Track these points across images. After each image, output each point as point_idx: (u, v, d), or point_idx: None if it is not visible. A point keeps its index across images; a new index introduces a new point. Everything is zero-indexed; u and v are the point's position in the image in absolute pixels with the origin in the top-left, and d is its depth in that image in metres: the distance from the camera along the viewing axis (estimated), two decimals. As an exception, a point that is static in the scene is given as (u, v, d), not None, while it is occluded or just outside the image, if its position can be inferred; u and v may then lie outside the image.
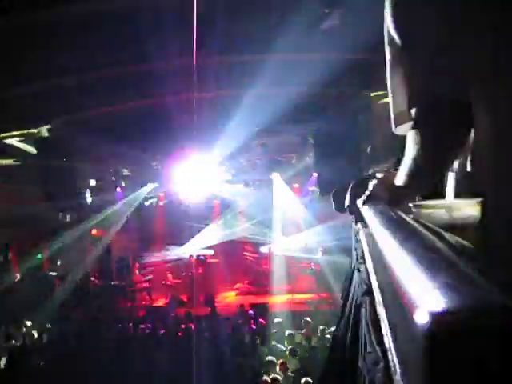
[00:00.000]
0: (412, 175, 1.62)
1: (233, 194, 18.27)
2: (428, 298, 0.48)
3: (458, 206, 1.53)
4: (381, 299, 0.94)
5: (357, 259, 1.76)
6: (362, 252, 1.52)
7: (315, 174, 16.92)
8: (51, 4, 7.64)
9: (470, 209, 1.47)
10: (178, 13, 8.33)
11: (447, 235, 0.96)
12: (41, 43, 8.53)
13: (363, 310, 1.30)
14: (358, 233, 1.85)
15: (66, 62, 9.33)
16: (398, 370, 0.60)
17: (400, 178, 1.69)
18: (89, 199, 16.20)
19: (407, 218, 1.09)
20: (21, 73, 9.49)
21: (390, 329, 0.74)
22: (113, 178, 17.30)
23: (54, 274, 14.83)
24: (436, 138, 1.55)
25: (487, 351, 0.43)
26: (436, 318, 0.45)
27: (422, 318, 0.46)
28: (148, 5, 8.43)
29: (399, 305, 0.58)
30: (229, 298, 16.46)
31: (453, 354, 0.44)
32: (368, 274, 1.24)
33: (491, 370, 0.43)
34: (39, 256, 15.48)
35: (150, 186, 17.67)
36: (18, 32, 8.03)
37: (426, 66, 1.57)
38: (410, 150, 1.63)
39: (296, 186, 17.76)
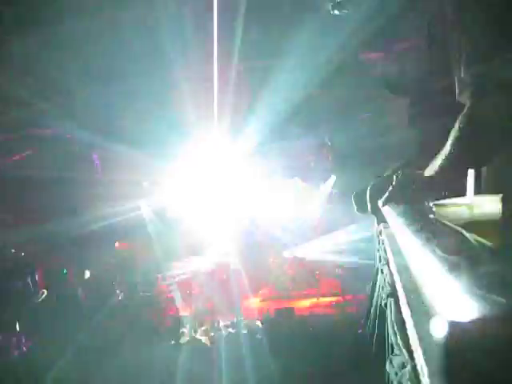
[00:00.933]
0: (446, 164, 1.58)
1: (252, 199, 18.27)
2: (448, 305, 0.48)
3: (478, 204, 1.50)
4: (405, 301, 0.94)
5: (380, 260, 1.75)
6: (385, 253, 1.52)
7: (334, 177, 16.86)
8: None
9: (490, 206, 1.45)
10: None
11: (468, 234, 0.95)
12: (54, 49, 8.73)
13: (388, 311, 1.29)
14: (380, 234, 1.84)
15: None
16: (426, 370, 0.60)
17: (431, 169, 1.67)
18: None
19: (428, 218, 1.08)
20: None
21: (415, 330, 0.74)
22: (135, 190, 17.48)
23: (80, 288, 14.96)
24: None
25: (502, 358, 0.43)
26: (455, 325, 0.45)
27: (442, 323, 0.47)
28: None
29: (424, 307, 0.58)
30: (253, 304, 16.43)
31: (470, 361, 0.44)
32: (392, 275, 1.24)
33: (504, 375, 0.43)
34: (64, 271, 15.65)
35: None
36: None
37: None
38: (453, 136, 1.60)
39: (315, 189, 17.70)
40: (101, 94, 10.60)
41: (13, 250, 13.28)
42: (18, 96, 9.45)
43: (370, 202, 2.07)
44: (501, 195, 1.44)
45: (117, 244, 17.80)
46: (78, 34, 8.42)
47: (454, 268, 0.59)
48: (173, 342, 10.93)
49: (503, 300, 0.48)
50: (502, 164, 1.50)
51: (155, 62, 9.62)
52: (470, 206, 1.51)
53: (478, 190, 1.68)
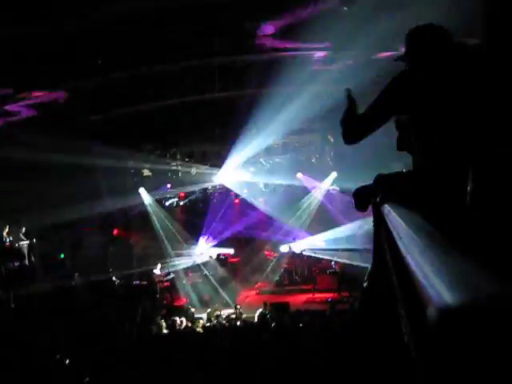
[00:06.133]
0: None
1: (253, 192, 18.30)
2: (436, 293, 0.49)
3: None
4: (400, 294, 0.95)
5: (377, 255, 1.77)
6: (382, 248, 1.53)
7: (334, 173, 16.87)
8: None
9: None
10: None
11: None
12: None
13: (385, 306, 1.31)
14: (377, 229, 1.86)
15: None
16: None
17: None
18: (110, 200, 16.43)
19: (421, 216, 1.10)
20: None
21: (408, 320, 0.76)
22: (135, 178, 17.53)
23: (77, 274, 14.96)
24: None
25: (485, 344, 0.44)
26: (440, 313, 0.46)
27: (430, 311, 0.48)
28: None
29: (416, 297, 0.59)
30: (249, 297, 16.45)
31: (455, 347, 0.45)
32: (388, 268, 1.25)
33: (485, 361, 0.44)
34: (62, 255, 15.68)
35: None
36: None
37: None
38: None
39: (316, 184, 17.71)
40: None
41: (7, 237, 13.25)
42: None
43: (368, 199, 2.08)
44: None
45: (115, 231, 17.81)
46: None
47: (441, 262, 0.60)
48: (166, 330, 10.94)
49: (480, 293, 0.49)
50: None
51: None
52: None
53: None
